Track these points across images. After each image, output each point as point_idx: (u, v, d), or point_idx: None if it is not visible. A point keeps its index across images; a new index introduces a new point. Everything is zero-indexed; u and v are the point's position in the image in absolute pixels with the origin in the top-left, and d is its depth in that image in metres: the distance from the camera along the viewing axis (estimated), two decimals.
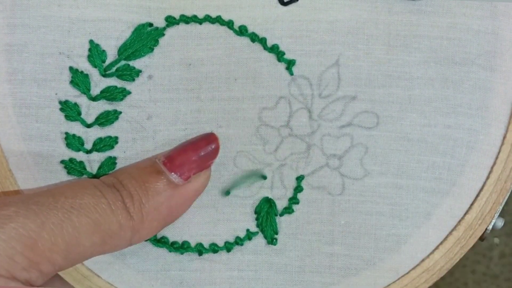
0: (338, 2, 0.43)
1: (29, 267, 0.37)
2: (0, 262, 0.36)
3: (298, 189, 0.44)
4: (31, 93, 0.43)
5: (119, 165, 0.44)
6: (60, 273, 0.44)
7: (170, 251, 0.44)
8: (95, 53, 0.43)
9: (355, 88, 0.43)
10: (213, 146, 0.43)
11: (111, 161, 0.44)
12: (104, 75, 0.43)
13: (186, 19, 0.43)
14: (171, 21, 0.43)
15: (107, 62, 0.43)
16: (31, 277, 0.37)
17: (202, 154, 0.42)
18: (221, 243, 0.44)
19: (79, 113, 0.43)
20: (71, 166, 0.44)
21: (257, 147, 0.44)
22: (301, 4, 0.43)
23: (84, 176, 0.44)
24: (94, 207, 0.39)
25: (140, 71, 0.43)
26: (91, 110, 0.44)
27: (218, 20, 0.43)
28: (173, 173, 0.41)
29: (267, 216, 0.44)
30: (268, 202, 0.44)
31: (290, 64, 0.43)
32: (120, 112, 0.44)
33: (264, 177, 0.44)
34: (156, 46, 0.43)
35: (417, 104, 0.43)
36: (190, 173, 0.42)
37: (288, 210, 0.44)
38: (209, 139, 0.43)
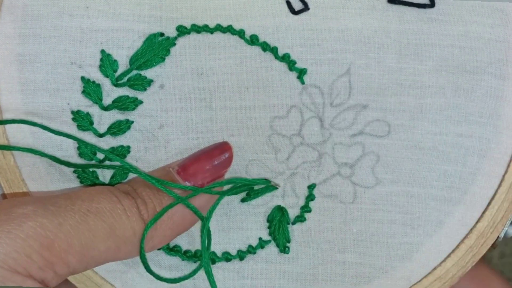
0: (349, 11, 0.43)
1: (45, 266, 0.37)
2: (18, 260, 0.36)
3: (310, 197, 0.44)
4: (43, 103, 0.43)
5: (131, 175, 0.44)
6: (73, 281, 0.44)
7: (183, 260, 0.44)
8: (106, 63, 0.43)
9: (366, 97, 0.43)
10: (226, 155, 0.43)
11: (124, 170, 0.44)
12: (116, 85, 0.43)
13: (197, 29, 0.43)
14: (182, 30, 0.43)
15: (119, 72, 0.43)
16: (46, 277, 0.37)
17: (216, 163, 0.42)
18: (234, 252, 0.44)
19: (91, 123, 0.44)
20: (84, 176, 0.44)
21: (269, 156, 0.44)
22: (312, 13, 0.43)
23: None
24: (110, 212, 0.39)
25: (151, 80, 0.43)
26: (103, 119, 0.44)
27: (229, 29, 0.43)
28: (187, 182, 0.42)
29: (279, 225, 0.44)
30: (280, 211, 0.44)
31: (301, 73, 0.43)
32: (132, 122, 0.44)
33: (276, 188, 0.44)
34: (167, 55, 0.43)
35: (428, 112, 0.43)
36: (204, 182, 0.42)
37: (300, 218, 0.44)
38: (223, 148, 0.43)
